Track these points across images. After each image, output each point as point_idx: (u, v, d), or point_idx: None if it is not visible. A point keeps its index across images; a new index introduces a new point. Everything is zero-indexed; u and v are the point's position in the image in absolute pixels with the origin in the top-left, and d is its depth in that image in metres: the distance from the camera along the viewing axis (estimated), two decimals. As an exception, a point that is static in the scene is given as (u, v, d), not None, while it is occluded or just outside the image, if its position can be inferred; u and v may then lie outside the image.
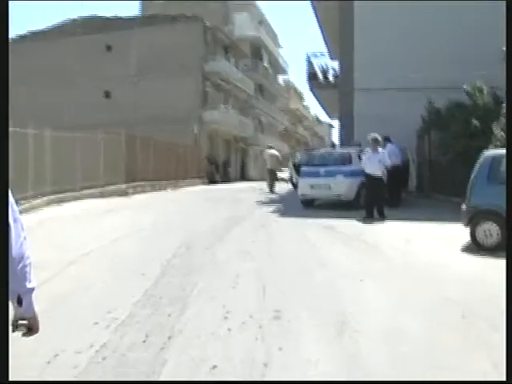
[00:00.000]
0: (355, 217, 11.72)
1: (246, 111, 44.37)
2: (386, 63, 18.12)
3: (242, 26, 43.29)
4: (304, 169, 14.62)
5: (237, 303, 5.09)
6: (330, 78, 22.70)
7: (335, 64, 24.11)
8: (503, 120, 10.87)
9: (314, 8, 21.39)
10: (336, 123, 45.16)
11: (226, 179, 35.77)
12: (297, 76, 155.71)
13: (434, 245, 8.55)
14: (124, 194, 18.02)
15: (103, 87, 33.50)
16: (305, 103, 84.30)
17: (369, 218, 11.51)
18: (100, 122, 26.90)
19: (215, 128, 36.01)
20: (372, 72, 18.14)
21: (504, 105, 11.46)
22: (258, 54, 47.57)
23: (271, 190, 21.08)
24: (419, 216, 11.97)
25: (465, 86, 13.93)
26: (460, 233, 9.36)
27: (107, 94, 33.77)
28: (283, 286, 5.80)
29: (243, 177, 41.38)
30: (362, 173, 13.16)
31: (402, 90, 17.62)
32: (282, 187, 22.46)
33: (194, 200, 17.59)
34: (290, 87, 68.93)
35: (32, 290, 1.93)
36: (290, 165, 18.50)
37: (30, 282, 1.92)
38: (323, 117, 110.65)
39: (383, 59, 18.15)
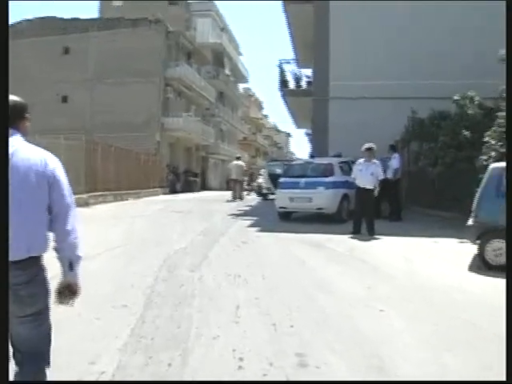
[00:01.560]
0: (339, 231, 11.20)
1: (208, 119, 43.63)
2: (364, 70, 17.70)
3: (204, 32, 42.73)
4: (282, 180, 13.97)
5: (247, 345, 4.24)
6: (303, 85, 22.15)
7: (309, 71, 23.57)
8: (500, 129, 10.46)
9: (286, 11, 20.80)
10: (302, 132, 44.80)
11: (188, 189, 34.82)
12: (256, 84, 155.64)
13: (436, 263, 8.01)
14: (85, 204, 16.87)
15: (60, 91, 32.00)
16: (264, 112, 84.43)
17: (356, 233, 10.94)
18: (57, 127, 25.60)
19: (177, 136, 35.08)
20: (349, 79, 17.66)
21: (498, 114, 11.07)
22: (220, 61, 46.95)
23: (240, 198, 21.18)
24: (407, 231, 11.49)
25: (455, 97, 13.57)
26: (458, 249, 9.12)
27: (64, 99, 32.23)
28: (293, 320, 4.99)
29: (204, 186, 40.47)
30: (346, 184, 12.70)
31: (381, 99, 17.20)
32: (247, 198, 22.01)
33: (161, 211, 16.61)
34: (250, 95, 68.70)
35: (80, 257, 2.50)
36: (265, 175, 17.83)
37: (80, 250, 2.49)
38: (282, 126, 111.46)
39: (361, 66, 17.72)
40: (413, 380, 3.19)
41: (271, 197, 20.25)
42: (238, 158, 23.46)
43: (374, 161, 11.26)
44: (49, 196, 2.48)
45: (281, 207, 13.68)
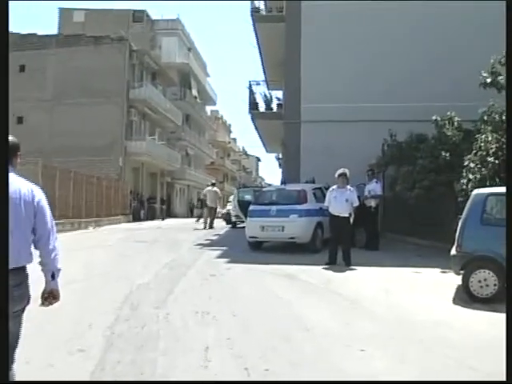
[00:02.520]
0: (314, 262, 11.05)
1: (173, 143, 43.44)
2: (338, 92, 17.80)
3: (170, 51, 42.68)
4: (253, 207, 13.77)
5: (219, 394, 3.99)
6: (274, 107, 22.21)
7: (280, 93, 23.67)
8: (480, 153, 10.54)
9: (256, 31, 20.93)
10: (272, 157, 44.94)
11: (153, 216, 34.39)
12: (225, 107, 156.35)
13: (418, 296, 7.92)
14: (40, 234, 16.29)
15: (15, 111, 31.29)
16: (232, 135, 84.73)
17: (332, 263, 10.81)
18: (10, 151, 24.89)
19: (141, 160, 34.79)
20: (321, 102, 17.71)
21: (477, 136, 11.17)
22: (187, 82, 46.96)
23: (211, 226, 21.14)
24: (386, 261, 11.42)
25: (434, 117, 13.69)
26: (440, 279, 9.08)
27: (20, 120, 31.42)
28: (268, 362, 4.75)
29: (169, 213, 40.02)
30: (320, 212, 12.61)
31: (356, 122, 17.30)
32: (216, 226, 21.87)
33: (124, 241, 16.20)
34: (218, 118, 68.87)
35: (60, 269, 3.37)
36: (235, 202, 17.65)
37: (59, 264, 3.36)
38: (251, 150, 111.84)
39: (334, 88, 17.82)
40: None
41: (241, 225, 20.03)
42: (213, 185, 23.36)
43: (349, 187, 11.22)
44: (34, 221, 3.29)
45: (251, 236, 13.45)
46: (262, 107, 22.67)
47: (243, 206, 15.73)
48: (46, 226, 3.35)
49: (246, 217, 14.43)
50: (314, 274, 9.78)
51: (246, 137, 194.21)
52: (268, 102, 22.48)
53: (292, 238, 12.90)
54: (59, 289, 3.42)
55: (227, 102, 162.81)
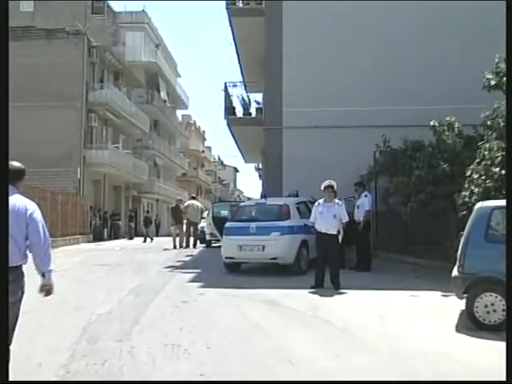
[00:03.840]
0: (298, 285, 11.08)
1: (140, 152, 43.32)
2: (324, 95, 17.81)
3: (135, 48, 42.56)
4: (229, 224, 13.78)
5: None
6: (253, 112, 22.24)
7: (259, 96, 23.69)
8: (484, 162, 10.62)
9: (232, 26, 20.98)
10: (251, 167, 45.00)
11: (117, 235, 34.14)
12: (198, 111, 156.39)
13: (416, 323, 7.92)
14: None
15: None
16: (207, 143, 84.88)
17: (319, 286, 10.82)
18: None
19: (103, 172, 34.62)
20: (305, 105, 17.70)
21: (480, 144, 11.25)
22: (155, 84, 46.95)
23: (194, 245, 21.69)
24: (379, 283, 11.47)
25: (432, 122, 13.76)
26: (441, 304, 9.08)
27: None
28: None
29: (136, 231, 39.69)
30: (305, 229, 12.61)
31: (344, 128, 17.31)
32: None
33: (82, 265, 16.02)
34: (190, 124, 68.95)
35: (51, 270, 4.75)
36: (209, 218, 17.59)
37: (50, 264, 4.74)
38: (228, 160, 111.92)
39: (320, 90, 17.83)
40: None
41: (216, 244, 19.93)
42: (194, 198, 23.44)
43: (337, 201, 11.26)
44: (26, 230, 4.62)
45: (228, 257, 13.44)
46: (239, 112, 22.65)
47: (219, 222, 15.75)
48: (37, 234, 4.68)
49: (221, 235, 14.39)
50: (299, 299, 9.78)
51: (222, 145, 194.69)
52: (246, 106, 22.48)
53: (274, 258, 12.90)
54: (52, 283, 4.84)
55: (201, 105, 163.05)
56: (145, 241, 28.23)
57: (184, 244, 21.75)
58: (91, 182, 33.91)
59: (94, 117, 34.09)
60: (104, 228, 33.22)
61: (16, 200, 4.63)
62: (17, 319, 4.74)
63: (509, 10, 5.98)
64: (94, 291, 10.86)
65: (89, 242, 28.48)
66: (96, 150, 33.39)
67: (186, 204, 22.72)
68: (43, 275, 4.76)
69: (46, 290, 4.82)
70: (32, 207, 4.71)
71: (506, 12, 5.87)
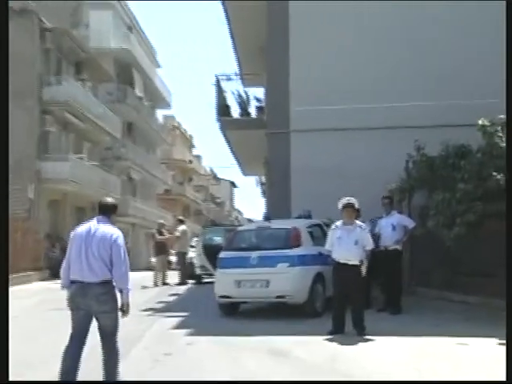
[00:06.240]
0: (312, 331, 11.14)
1: (111, 164, 43.36)
2: (341, 89, 17.98)
3: (102, 31, 42.53)
4: (225, 254, 13.86)
5: None
6: (253, 112, 22.30)
7: (260, 92, 23.77)
8: None
9: (226, 11, 21.16)
10: (252, 181, 44.65)
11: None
12: (184, 111, 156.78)
13: (465, 379, 7.79)
14: None
15: None
16: (195, 152, 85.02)
17: (338, 332, 10.87)
18: None
19: (63, 190, 34.83)
20: (319, 103, 17.82)
21: None
22: (128, 77, 47.12)
23: (183, 282, 22.24)
24: (413, 326, 11.53)
25: (480, 121, 13.73)
26: (495, 354, 9.07)
27: None
28: None
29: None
30: (320, 259, 12.64)
31: (367, 130, 17.43)
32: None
33: (35, 310, 16.06)
34: (174, 128, 69.05)
35: (129, 288, 7.06)
36: (199, 247, 17.62)
37: (128, 284, 7.04)
38: (223, 172, 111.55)
39: (336, 83, 18.00)
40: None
41: (208, 279, 19.89)
42: (182, 222, 23.87)
43: (359, 223, 11.32)
44: (110, 253, 6.92)
45: (223, 296, 13.50)
46: (235, 111, 22.66)
47: (211, 252, 15.72)
48: (118, 257, 6.94)
49: (214, 268, 14.42)
50: (314, 348, 9.84)
51: (215, 154, 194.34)
52: (244, 105, 22.49)
53: (281, 296, 12.96)
54: (128, 302, 7.02)
55: (187, 104, 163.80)
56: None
57: (177, 280, 22.08)
58: (47, 203, 33.97)
59: (51, 119, 34.04)
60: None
61: (105, 228, 7.12)
62: (116, 326, 7.22)
63: (509, 10, 6.48)
64: (47, 345, 10.82)
65: (44, 279, 28.39)
66: (53, 162, 33.44)
67: (181, 229, 22.90)
68: (120, 291, 6.98)
69: (124, 309, 7.03)
70: (116, 234, 7.08)
71: (506, 12, 5.84)
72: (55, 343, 10.84)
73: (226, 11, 22.09)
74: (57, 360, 9.26)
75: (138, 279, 24.80)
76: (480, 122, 13.80)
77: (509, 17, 6.96)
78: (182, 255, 22.42)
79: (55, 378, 7.58)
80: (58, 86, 34.28)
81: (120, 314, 7.02)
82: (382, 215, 14.17)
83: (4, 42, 2.84)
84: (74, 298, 7.11)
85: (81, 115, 36.25)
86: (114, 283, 6.97)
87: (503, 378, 7.72)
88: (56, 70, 35.47)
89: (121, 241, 7.05)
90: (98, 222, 7.24)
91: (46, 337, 11.92)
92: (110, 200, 7.73)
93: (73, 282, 7.14)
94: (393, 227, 13.70)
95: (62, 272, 7.44)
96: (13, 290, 22.12)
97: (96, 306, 6.94)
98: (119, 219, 45.62)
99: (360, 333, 10.72)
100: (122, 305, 6.97)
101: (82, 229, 7.27)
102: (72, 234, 7.38)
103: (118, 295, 6.99)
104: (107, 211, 7.40)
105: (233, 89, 23.22)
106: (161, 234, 22.75)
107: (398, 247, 13.75)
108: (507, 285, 6.45)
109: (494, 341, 9.64)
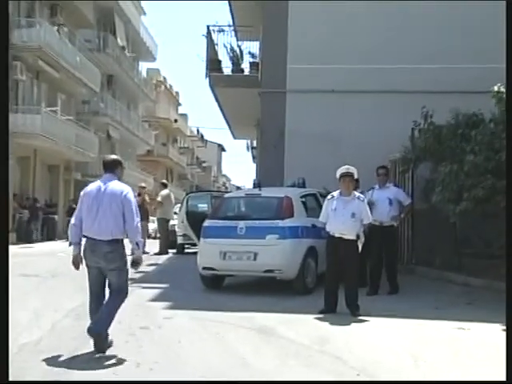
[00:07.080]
0: (302, 309, 11.21)
1: (87, 119, 43.20)
2: (344, 47, 17.96)
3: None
4: (209, 223, 13.88)
5: None
6: (246, 68, 22.20)
7: (255, 46, 23.59)
8: None
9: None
10: (243, 145, 44.59)
11: (53, 235, 34.14)
12: (170, 65, 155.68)
13: (465, 367, 7.79)
14: None
15: None
16: (182, 110, 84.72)
17: (330, 311, 10.91)
18: None
19: (33, 145, 34.83)
20: (318, 61, 17.86)
21: None
22: (109, 24, 46.81)
23: (166, 251, 22.24)
24: (411, 308, 11.58)
25: (496, 87, 13.65)
26: (498, 341, 8.94)
27: None
28: None
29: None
30: (313, 231, 12.66)
31: (370, 94, 17.39)
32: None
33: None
34: (159, 83, 68.74)
35: (141, 241, 8.42)
36: (182, 214, 17.62)
37: (139, 236, 8.20)
38: (211, 134, 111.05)
39: (339, 40, 17.97)
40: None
41: (191, 249, 19.91)
42: (165, 186, 23.85)
43: (357, 194, 11.33)
44: (122, 209, 7.98)
45: (206, 268, 13.54)
46: (227, 67, 22.55)
47: (195, 220, 15.74)
48: (130, 212, 7.95)
49: (198, 237, 14.43)
50: (302, 327, 9.88)
51: (203, 113, 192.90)
52: (237, 60, 22.34)
53: (269, 270, 13.00)
54: (140, 255, 8.07)
55: (174, 57, 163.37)
56: None
57: (157, 249, 22.16)
58: (16, 160, 33.72)
59: (21, 66, 33.58)
60: (34, 224, 33.06)
61: (114, 185, 8.06)
62: (124, 283, 8.18)
63: (509, 10, 6.68)
64: (16, 312, 10.82)
65: (12, 243, 28.38)
66: (23, 115, 33.43)
67: (164, 194, 22.90)
68: (137, 245, 8.01)
69: (136, 263, 8.05)
70: (126, 190, 8.05)
71: (506, 12, 6.61)
72: (22, 308, 11.01)
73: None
74: (22, 325, 9.42)
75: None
76: (496, 88, 13.72)
77: (509, 17, 7.22)
78: (164, 222, 22.37)
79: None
80: (29, 28, 33.89)
81: (132, 269, 8.12)
82: (373, 186, 13.96)
83: (4, 41, 2.95)
84: (85, 253, 8.11)
85: (55, 63, 36.02)
86: (129, 238, 7.99)
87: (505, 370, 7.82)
88: (27, 10, 35.07)
89: (131, 196, 8.09)
90: (106, 179, 8.16)
91: (15, 301, 11.90)
92: (113, 156, 8.88)
93: (85, 237, 8.11)
94: (389, 201, 13.48)
95: (70, 229, 8.30)
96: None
97: (104, 263, 7.94)
98: (95, 180, 45.34)
99: (353, 313, 10.74)
100: (134, 260, 8.00)
101: (91, 187, 8.21)
102: (82, 192, 8.35)
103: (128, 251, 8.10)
104: (113, 168, 8.29)
105: (225, 42, 23.10)
106: (143, 198, 22.72)
107: (395, 223, 13.73)
108: (507, 284, 6.46)
109: (497, 326, 9.63)
